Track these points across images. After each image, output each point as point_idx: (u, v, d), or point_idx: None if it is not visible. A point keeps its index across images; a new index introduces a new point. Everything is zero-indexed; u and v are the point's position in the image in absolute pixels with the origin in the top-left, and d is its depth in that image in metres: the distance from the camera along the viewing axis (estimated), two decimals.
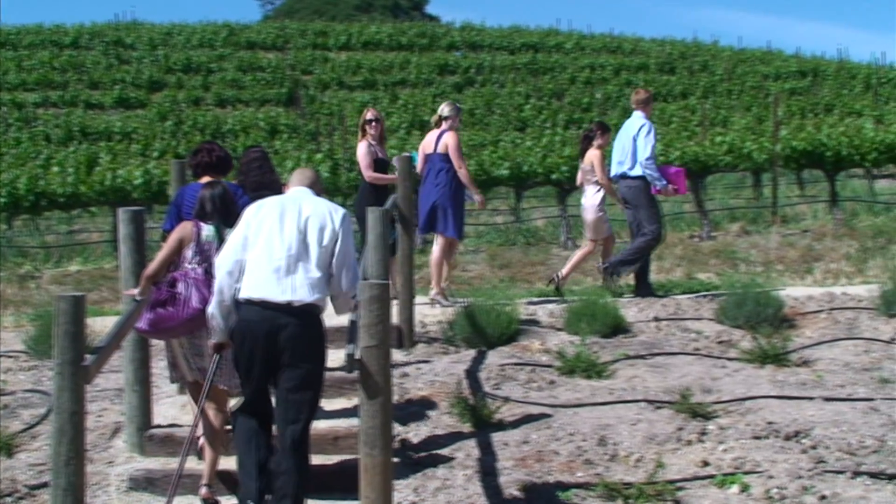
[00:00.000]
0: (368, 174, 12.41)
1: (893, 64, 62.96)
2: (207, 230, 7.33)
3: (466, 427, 8.38)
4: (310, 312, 6.58)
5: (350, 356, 6.25)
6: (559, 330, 11.18)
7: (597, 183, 13.34)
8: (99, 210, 26.35)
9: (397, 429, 8.16)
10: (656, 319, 11.52)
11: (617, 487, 7.10)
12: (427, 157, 12.52)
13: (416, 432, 8.34)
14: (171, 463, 7.85)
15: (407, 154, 12.03)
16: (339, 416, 8.47)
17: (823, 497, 6.86)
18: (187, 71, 51.96)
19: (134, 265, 7.99)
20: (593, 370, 9.68)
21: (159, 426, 8.37)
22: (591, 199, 13.42)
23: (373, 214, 8.92)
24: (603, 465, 7.61)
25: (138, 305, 7.31)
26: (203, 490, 7.26)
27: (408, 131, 40.61)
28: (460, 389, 8.96)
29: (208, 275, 7.10)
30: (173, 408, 8.98)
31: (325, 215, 6.75)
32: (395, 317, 10.06)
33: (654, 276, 15.55)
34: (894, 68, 59.92)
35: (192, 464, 7.55)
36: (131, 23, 63.86)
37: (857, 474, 7.18)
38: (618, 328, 11.08)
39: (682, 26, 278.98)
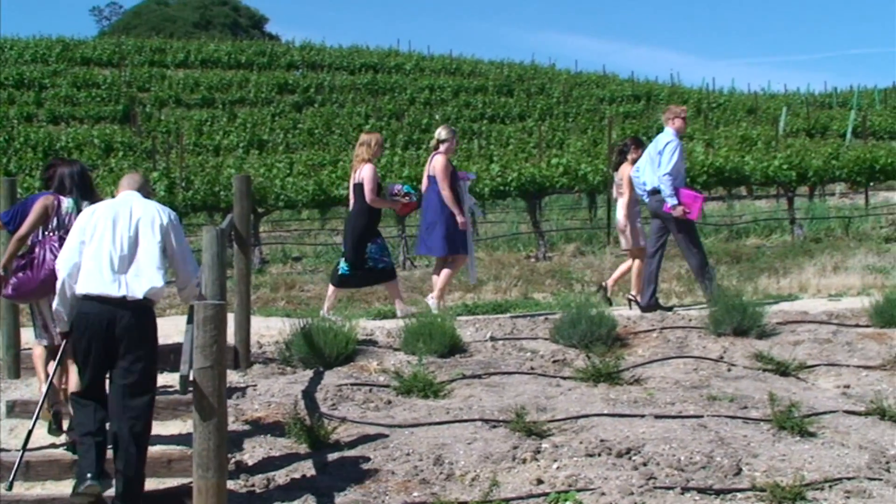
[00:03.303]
0: (371, 197, 12.61)
1: (723, 89, 64.86)
2: (67, 203, 8.38)
3: (303, 448, 8.33)
4: (143, 305, 7.20)
5: (184, 377, 6.21)
6: (397, 350, 11.18)
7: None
8: None
9: (232, 451, 8.07)
10: (493, 339, 11.60)
11: None
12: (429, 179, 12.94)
13: (251, 454, 8.24)
14: None
15: (245, 175, 11.81)
16: (172, 439, 8.35)
17: None
18: (19, 86, 50.74)
19: None
20: (430, 390, 9.70)
21: None
22: (624, 211, 13.71)
23: (208, 234, 8.82)
24: (439, 484, 7.63)
25: None
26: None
27: (246, 150, 40.28)
28: (297, 410, 8.90)
29: (63, 241, 7.86)
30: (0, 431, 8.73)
31: (155, 215, 7.41)
32: (230, 337, 9.96)
33: (492, 296, 15.73)
34: (724, 93, 61.71)
35: (19, 489, 7.40)
36: None
37: (686, 490, 7.33)
38: (455, 348, 11.12)
39: (520, 49, 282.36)
